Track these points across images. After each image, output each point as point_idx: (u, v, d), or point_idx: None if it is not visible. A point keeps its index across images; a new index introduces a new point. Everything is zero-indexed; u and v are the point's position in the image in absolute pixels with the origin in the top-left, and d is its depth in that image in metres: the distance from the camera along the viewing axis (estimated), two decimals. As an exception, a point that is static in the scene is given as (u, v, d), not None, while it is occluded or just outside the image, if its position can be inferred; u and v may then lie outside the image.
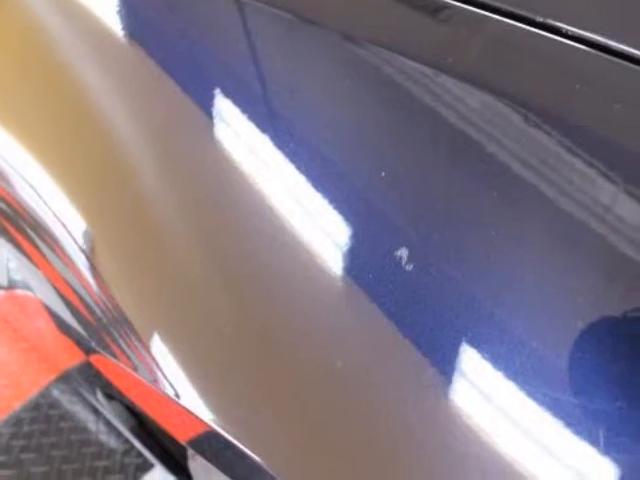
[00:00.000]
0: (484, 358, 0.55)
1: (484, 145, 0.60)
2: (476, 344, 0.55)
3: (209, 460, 0.76)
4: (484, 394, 0.54)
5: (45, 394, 1.83)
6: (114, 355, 0.77)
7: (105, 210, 0.80)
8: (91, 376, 0.94)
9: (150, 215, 0.75)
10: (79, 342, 0.87)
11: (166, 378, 0.70)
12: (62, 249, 0.82)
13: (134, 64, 0.84)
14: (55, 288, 0.88)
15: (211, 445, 0.72)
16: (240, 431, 0.65)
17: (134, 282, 0.76)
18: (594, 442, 0.50)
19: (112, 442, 1.81)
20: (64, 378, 1.69)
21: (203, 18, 0.81)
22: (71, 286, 0.83)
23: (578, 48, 0.60)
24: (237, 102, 0.73)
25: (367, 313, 0.60)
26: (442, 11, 0.67)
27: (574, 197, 0.55)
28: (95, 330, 0.81)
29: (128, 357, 0.75)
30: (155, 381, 0.72)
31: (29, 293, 0.99)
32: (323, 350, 0.61)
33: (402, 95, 0.65)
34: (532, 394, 0.52)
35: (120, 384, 0.88)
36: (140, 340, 0.73)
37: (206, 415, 0.67)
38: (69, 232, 0.81)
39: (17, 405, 1.79)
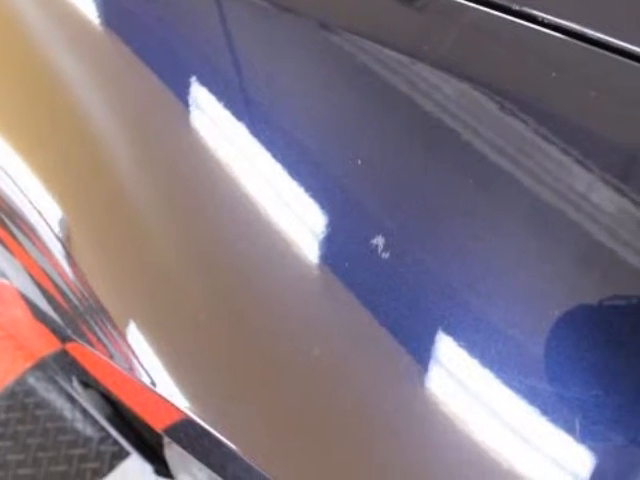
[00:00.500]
0: (460, 346, 0.54)
1: (460, 133, 0.60)
2: (452, 332, 0.55)
3: (185, 448, 0.76)
4: (460, 382, 0.54)
5: (21, 382, 1.83)
6: (90, 343, 0.77)
7: (81, 198, 0.79)
8: (67, 364, 0.93)
9: (126, 203, 0.74)
10: (55, 330, 0.86)
11: (142, 366, 0.70)
12: (38, 237, 0.81)
13: (110, 53, 0.83)
14: (31, 276, 0.87)
15: (187, 433, 0.71)
16: (216, 419, 0.64)
17: (110, 270, 0.75)
18: (570, 430, 0.50)
19: (88, 430, 1.80)
20: (40, 366, 1.69)
21: (179, 6, 0.80)
22: (47, 274, 0.82)
23: (554, 36, 0.60)
24: (213, 90, 0.73)
25: (343, 301, 0.60)
26: (418, -1, 0.67)
27: (550, 185, 0.55)
28: (71, 318, 0.80)
29: (104, 345, 0.74)
30: (131, 369, 0.71)
31: (5, 281, 0.98)
32: (300, 338, 0.61)
33: (378, 83, 0.65)
34: (508, 382, 0.52)
35: (96, 372, 0.87)
36: (116, 328, 0.72)
37: (182, 403, 0.66)
38: (45, 220, 0.80)
39: (-7, 393, 1.79)
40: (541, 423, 0.50)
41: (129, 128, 0.78)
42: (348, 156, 0.63)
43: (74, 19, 0.86)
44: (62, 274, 0.79)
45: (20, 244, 0.86)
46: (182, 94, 0.74)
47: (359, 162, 0.62)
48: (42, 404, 1.83)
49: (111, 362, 0.74)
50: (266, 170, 0.66)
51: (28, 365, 1.76)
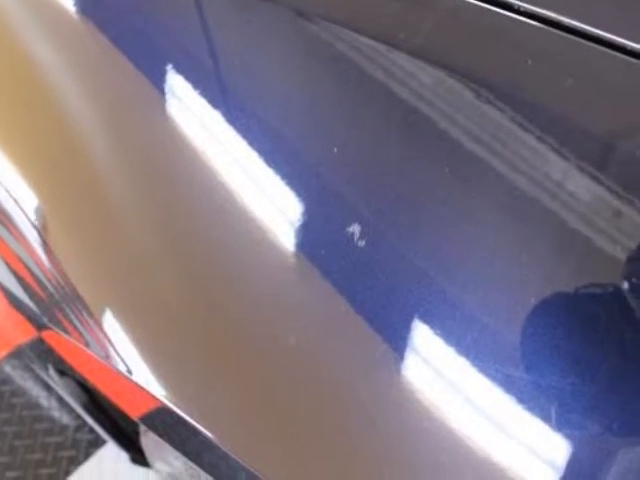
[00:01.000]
0: (436, 334, 0.54)
1: (436, 121, 0.59)
2: (428, 320, 0.54)
3: (161, 436, 0.76)
4: (436, 370, 0.54)
5: (-3, 370, 1.82)
6: (66, 331, 0.76)
7: (57, 186, 0.79)
8: (43, 352, 0.93)
9: (102, 191, 0.74)
10: (31, 318, 0.86)
11: (118, 354, 0.69)
12: (14, 225, 0.81)
13: (86, 40, 0.82)
14: (7, 264, 0.86)
15: (163, 421, 0.71)
16: (192, 407, 0.64)
17: (86, 258, 0.75)
18: (546, 418, 0.49)
19: (64, 418, 1.81)
20: (16, 354, 1.68)
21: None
22: (23, 262, 0.81)
23: (530, 24, 0.59)
24: (189, 78, 0.72)
25: (320, 289, 0.59)
26: (394, -13, 0.66)
27: (526, 173, 0.55)
28: (47, 306, 0.80)
29: (80, 333, 0.74)
30: (107, 357, 0.71)
31: (-20, 269, 0.97)
32: (276, 326, 0.60)
33: (354, 71, 0.64)
34: (484, 370, 0.52)
35: (72, 360, 0.87)
36: (92, 316, 0.72)
37: (158, 391, 0.65)
38: (21, 208, 0.80)
39: (-31, 381, 1.78)
40: (517, 411, 0.50)
41: (105, 116, 0.77)
42: (324, 144, 0.63)
43: (50, 7, 0.85)
44: (38, 262, 0.79)
45: (-4, 232, 0.85)
46: (158, 82, 0.74)
47: (335, 150, 0.62)
48: (18, 392, 1.82)
49: (87, 350, 0.74)
50: (242, 158, 0.66)
51: (4, 353, 1.75)
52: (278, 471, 0.59)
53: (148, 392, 0.66)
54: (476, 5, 0.62)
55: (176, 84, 0.72)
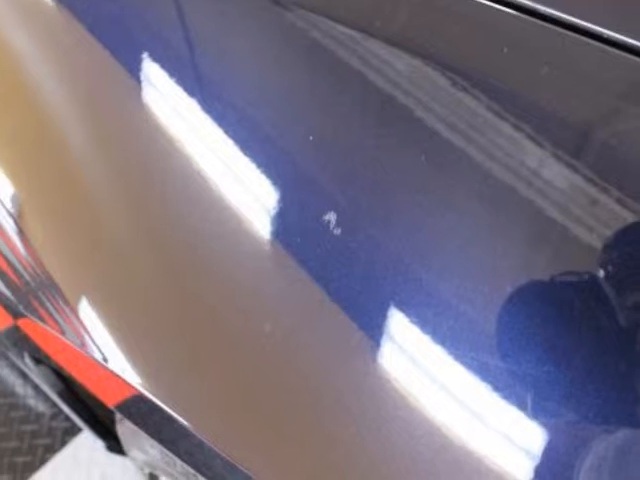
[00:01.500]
0: (412, 322, 0.53)
1: (412, 109, 0.59)
2: (404, 308, 0.54)
3: (137, 424, 0.75)
4: (412, 358, 0.53)
5: (-27, 358, 1.81)
6: (42, 319, 0.76)
7: (33, 174, 0.78)
8: (19, 340, 0.92)
9: (78, 179, 0.73)
10: (7, 306, 0.85)
11: (94, 342, 0.69)
12: (-11, 213, 0.79)
13: (62, 28, 0.81)
14: (-18, 252, 0.85)
15: (139, 409, 0.71)
16: (168, 395, 0.63)
17: (62, 246, 0.74)
18: (522, 406, 0.49)
19: (40, 406, 1.81)
20: (-8, 342, 1.67)
21: (131, -18, 0.78)
22: (-1, 250, 0.80)
23: (505, 12, 0.58)
24: (165, 66, 0.71)
25: (295, 277, 0.59)
26: (370, -25, 0.65)
27: (502, 161, 0.54)
28: (23, 294, 0.79)
29: (56, 321, 0.74)
30: (83, 345, 0.70)
31: (-44, 257, 0.96)
32: (251, 314, 0.60)
33: (330, 59, 0.64)
34: (460, 358, 0.51)
35: (48, 348, 0.86)
36: (68, 304, 0.71)
37: (134, 379, 0.65)
38: (-3, 196, 0.78)
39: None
40: (493, 399, 0.50)
41: (81, 104, 0.76)
42: (300, 132, 0.62)
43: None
44: (14, 250, 0.78)
45: (-29, 220, 0.84)
46: (134, 70, 0.73)
47: (311, 138, 0.61)
48: (-6, 380, 1.83)
49: (63, 338, 0.73)
50: (218, 146, 0.65)
51: (-20, 341, 1.74)
52: (253, 458, 0.59)
53: (124, 380, 0.66)
54: (452, -7, 0.61)
55: (152, 72, 0.71)
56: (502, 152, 0.54)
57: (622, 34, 0.53)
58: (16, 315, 0.84)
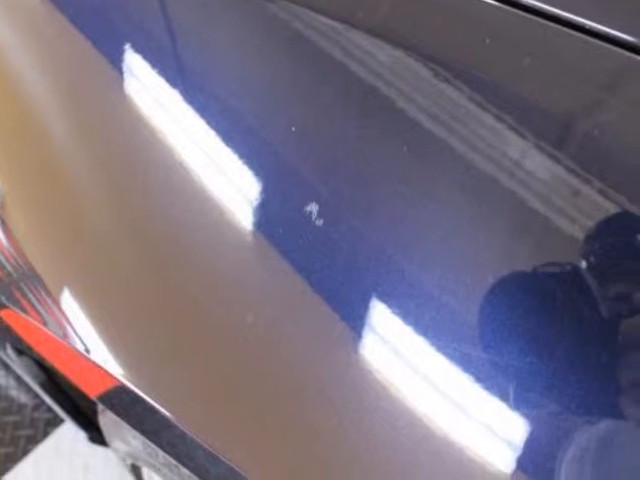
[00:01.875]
0: (394, 313, 0.53)
1: (394, 100, 0.58)
2: (386, 299, 0.54)
3: (119, 415, 0.75)
4: (394, 349, 0.53)
5: (-46, 349, 1.81)
6: (24, 310, 0.76)
7: (14, 165, 0.78)
8: (1, 331, 0.92)
9: (60, 170, 0.73)
10: (-11, 297, 0.83)
11: (76, 333, 0.69)
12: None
13: (43, 19, 0.81)
14: (-35, 243, 0.84)
15: (121, 400, 0.70)
16: (150, 386, 0.63)
17: (44, 237, 0.74)
18: (504, 397, 0.49)
19: (22, 397, 1.81)
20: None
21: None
22: (-20, 241, 0.79)
23: (487, 3, 0.58)
24: (147, 57, 0.71)
25: (277, 268, 0.59)
26: (352, -34, 0.64)
27: (484, 152, 0.54)
28: (5, 285, 0.79)
29: (38, 312, 0.74)
30: (65, 336, 0.70)
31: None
32: (233, 305, 0.60)
33: (312, 50, 0.63)
34: (442, 349, 0.51)
35: (30, 339, 0.85)
36: (50, 295, 0.71)
37: (116, 370, 0.65)
38: (-22, 188, 0.78)
39: None
40: (475, 390, 0.49)
41: (63, 95, 0.76)
42: (282, 123, 0.62)
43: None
44: (-4, 241, 0.77)
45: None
46: (116, 61, 0.72)
47: (293, 129, 0.61)
48: (-25, 372, 1.82)
49: (45, 329, 0.73)
50: (200, 137, 0.65)
51: (-39, 333, 1.74)
52: (236, 449, 0.59)
53: (106, 371, 0.65)
54: (434, -16, 0.60)
55: (134, 64, 0.71)
56: (484, 143, 0.54)
57: (604, 25, 0.53)
58: (-2, 306, 0.84)
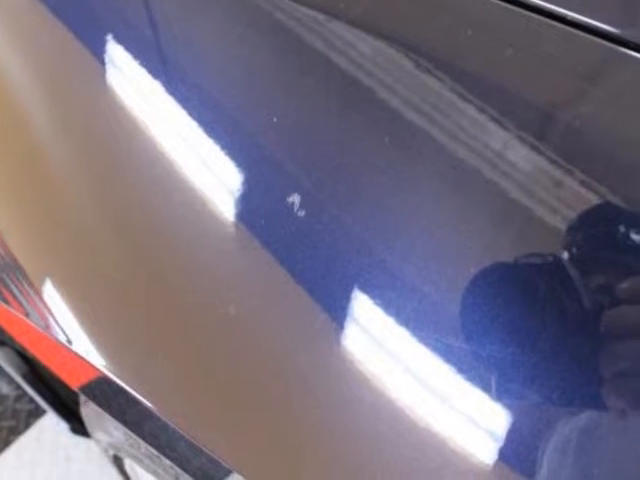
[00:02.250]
0: (376, 304, 0.53)
1: (376, 91, 0.58)
2: (368, 290, 0.53)
3: (101, 406, 0.75)
4: (376, 340, 0.52)
5: None
6: (6, 301, 0.75)
7: None
8: None
9: (42, 161, 0.72)
10: (-30, 288, 0.83)
11: (58, 324, 0.68)
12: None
13: (26, 10, 0.80)
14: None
15: (103, 391, 0.71)
16: (132, 377, 0.63)
17: (26, 228, 0.73)
18: (486, 388, 0.48)
19: (4, 388, 1.81)
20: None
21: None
22: (-38, 232, 0.78)
23: (470, -6, 0.57)
24: (129, 48, 0.70)
25: (259, 259, 0.58)
26: (334, -44, 0.64)
27: (466, 143, 0.53)
28: None
29: (20, 303, 0.73)
30: (47, 327, 0.69)
31: None
32: (216, 296, 0.59)
33: (294, 41, 0.63)
34: (424, 340, 0.51)
35: (12, 330, 0.85)
36: (32, 286, 0.71)
37: (98, 361, 0.64)
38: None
39: None
40: (457, 381, 0.49)
41: (45, 85, 0.75)
42: (264, 114, 0.61)
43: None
44: (-23, 232, 0.76)
45: None
46: (98, 52, 0.71)
47: (275, 120, 0.60)
48: (-43, 363, 1.82)
49: (27, 320, 0.72)
50: (182, 128, 0.64)
51: (-58, 324, 1.74)
52: (218, 440, 0.58)
53: (88, 362, 0.65)
54: (416, -25, 0.60)
55: (116, 54, 0.70)
56: (466, 134, 0.53)
57: (586, 16, 0.52)
58: (-20, 297, 0.83)
